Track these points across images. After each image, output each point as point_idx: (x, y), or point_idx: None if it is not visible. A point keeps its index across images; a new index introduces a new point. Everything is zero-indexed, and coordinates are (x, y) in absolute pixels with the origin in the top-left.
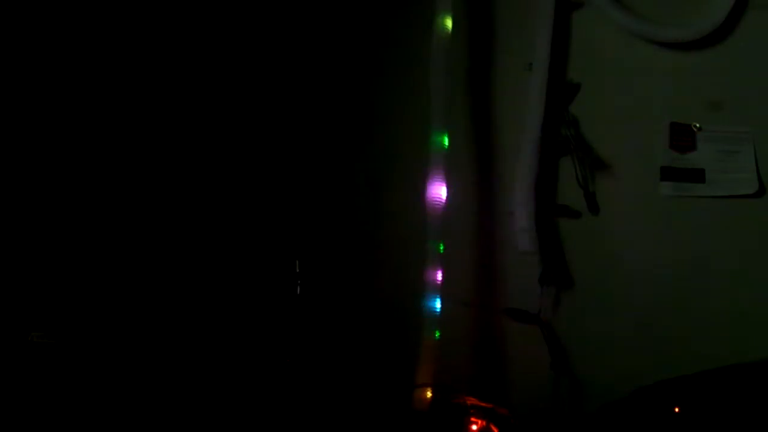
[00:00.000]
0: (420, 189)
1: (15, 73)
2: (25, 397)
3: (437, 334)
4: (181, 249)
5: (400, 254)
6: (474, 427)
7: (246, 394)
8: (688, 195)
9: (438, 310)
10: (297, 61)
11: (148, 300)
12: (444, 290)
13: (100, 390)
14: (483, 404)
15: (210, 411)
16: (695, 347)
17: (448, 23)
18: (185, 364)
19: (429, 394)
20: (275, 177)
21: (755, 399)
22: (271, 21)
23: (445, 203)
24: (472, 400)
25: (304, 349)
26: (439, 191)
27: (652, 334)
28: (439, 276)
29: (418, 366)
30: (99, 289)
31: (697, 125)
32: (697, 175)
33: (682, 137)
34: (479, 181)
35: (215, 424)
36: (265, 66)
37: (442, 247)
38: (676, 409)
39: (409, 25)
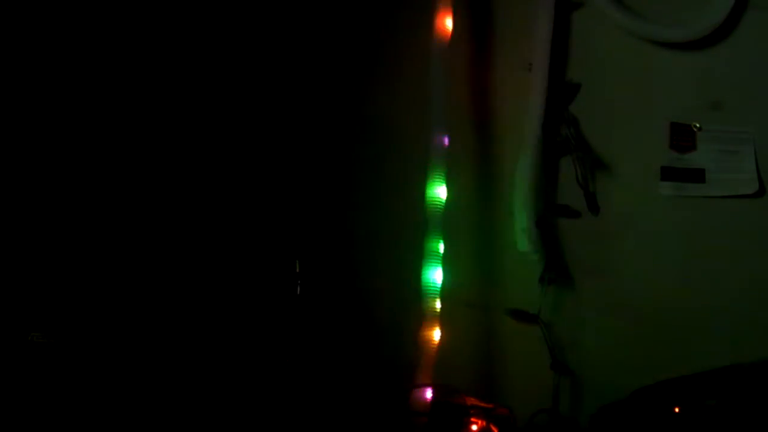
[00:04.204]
0: (420, 189)
1: (15, 73)
2: (25, 397)
3: (437, 334)
4: (180, 249)
5: (400, 254)
6: (474, 427)
7: (245, 394)
8: (688, 195)
9: (438, 309)
10: (296, 61)
11: (148, 300)
12: (444, 290)
13: (100, 390)
14: (483, 404)
15: (210, 411)
16: (695, 347)
17: (448, 23)
18: (185, 364)
19: (429, 395)
20: (275, 177)
21: (755, 399)
22: (271, 21)
23: (445, 203)
24: (472, 400)
25: (304, 349)
26: (439, 191)
27: (652, 334)
28: (440, 275)
29: (418, 366)
30: (99, 289)
31: (697, 125)
32: (697, 175)
33: (682, 137)
34: (479, 181)
35: (215, 424)
36: (265, 66)
37: (442, 247)
38: (676, 409)
39: (409, 24)
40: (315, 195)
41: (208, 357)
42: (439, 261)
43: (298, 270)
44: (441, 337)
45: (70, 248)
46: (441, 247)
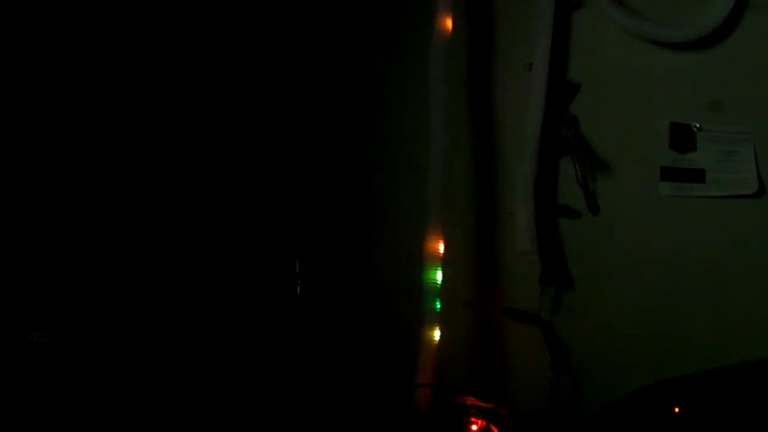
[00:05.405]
0: (420, 189)
1: (15, 73)
2: (25, 397)
3: (437, 334)
4: (181, 249)
5: (400, 254)
6: (474, 427)
7: (246, 393)
8: (688, 195)
9: (438, 310)
10: (297, 62)
11: (148, 300)
12: (444, 290)
13: (100, 390)
14: (483, 404)
15: (210, 411)
16: (695, 347)
17: (448, 23)
18: (185, 364)
19: (429, 394)
20: (276, 177)
21: (755, 399)
22: (272, 22)
23: (445, 203)
24: (472, 400)
25: (304, 349)
26: (439, 191)
27: (651, 335)
28: (440, 275)
29: (418, 366)
30: (99, 289)
31: (697, 125)
32: (697, 175)
33: (682, 137)
34: (479, 181)
35: (215, 424)
36: (266, 66)
37: (442, 247)
38: (676, 409)
39: (410, 25)
40: (316, 195)
41: (208, 356)
42: (440, 261)
43: (298, 270)
44: (441, 337)
45: (69, 248)
46: (441, 247)
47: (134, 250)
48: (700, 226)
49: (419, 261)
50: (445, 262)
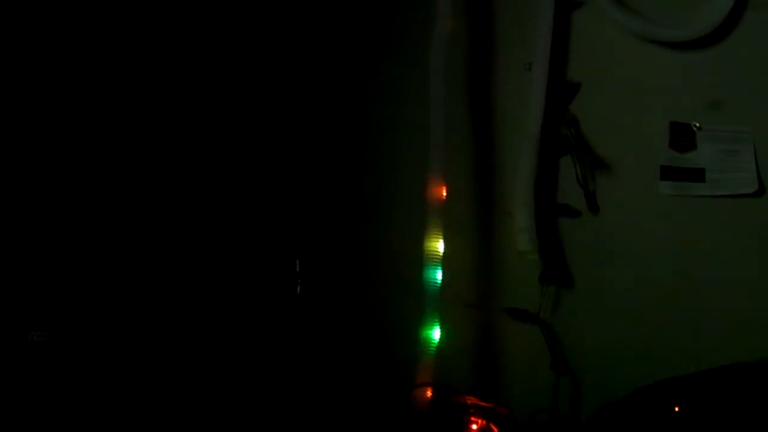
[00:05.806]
0: (420, 188)
1: (15, 73)
2: (24, 397)
3: (437, 334)
4: (181, 249)
5: (400, 254)
6: (474, 427)
7: (246, 393)
8: (688, 195)
9: (438, 309)
10: (299, 63)
11: (148, 300)
12: (444, 290)
13: (100, 390)
14: (483, 404)
15: (210, 410)
16: (695, 347)
17: (448, 23)
18: (185, 364)
19: (429, 394)
20: (276, 178)
21: (755, 399)
22: (274, 23)
23: (445, 203)
24: (472, 400)
25: (304, 349)
26: (439, 191)
27: (651, 334)
28: (440, 275)
29: (418, 366)
30: (99, 289)
31: (697, 125)
32: (697, 175)
33: (682, 137)
34: (479, 181)
35: (215, 423)
36: (268, 67)
37: (442, 247)
38: (676, 409)
39: (410, 25)
40: (317, 194)
41: (208, 356)
42: (439, 261)
43: (298, 270)
44: (441, 337)
45: (69, 248)
46: (441, 247)
47: (134, 249)
48: (700, 225)
49: (419, 261)
50: (445, 262)
